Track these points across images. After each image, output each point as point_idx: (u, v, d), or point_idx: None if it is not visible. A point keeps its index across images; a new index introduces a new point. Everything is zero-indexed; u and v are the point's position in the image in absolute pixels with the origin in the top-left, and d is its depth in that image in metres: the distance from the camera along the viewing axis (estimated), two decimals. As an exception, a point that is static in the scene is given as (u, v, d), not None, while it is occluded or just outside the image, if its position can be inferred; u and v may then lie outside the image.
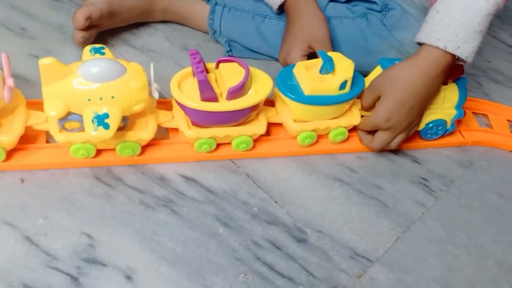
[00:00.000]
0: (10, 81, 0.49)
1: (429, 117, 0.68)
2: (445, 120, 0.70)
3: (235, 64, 0.58)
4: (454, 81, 0.68)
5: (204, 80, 0.54)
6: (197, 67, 0.55)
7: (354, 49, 0.74)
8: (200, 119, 0.58)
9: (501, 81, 0.91)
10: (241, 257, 0.54)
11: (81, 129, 0.53)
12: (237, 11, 0.76)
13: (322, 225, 0.59)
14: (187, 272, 0.51)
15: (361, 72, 0.64)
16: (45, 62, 0.48)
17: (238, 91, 0.56)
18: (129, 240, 0.53)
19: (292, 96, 0.60)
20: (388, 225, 0.62)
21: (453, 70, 0.65)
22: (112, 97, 0.51)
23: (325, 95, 0.60)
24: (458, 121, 0.72)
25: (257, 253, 0.55)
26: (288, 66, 0.63)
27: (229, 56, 0.77)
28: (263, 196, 0.61)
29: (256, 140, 0.64)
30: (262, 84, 0.59)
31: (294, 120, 0.63)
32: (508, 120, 0.80)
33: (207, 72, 0.56)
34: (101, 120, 0.50)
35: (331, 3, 0.76)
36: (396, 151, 0.71)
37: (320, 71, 0.59)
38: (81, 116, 0.52)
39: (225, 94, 0.56)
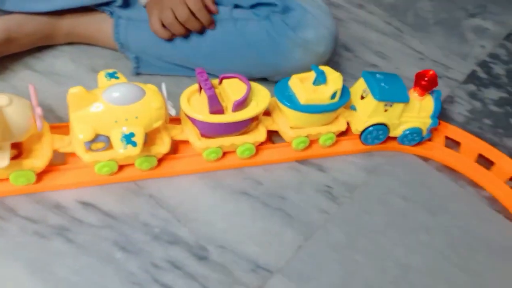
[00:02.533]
0: (38, 110, 0.53)
1: (406, 125, 0.75)
2: (421, 128, 0.76)
3: (236, 80, 0.64)
4: (430, 93, 0.75)
5: (213, 96, 0.60)
6: (205, 84, 0.61)
7: (264, 49, 0.76)
8: (209, 130, 0.64)
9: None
10: (139, 281, 0.54)
11: (105, 148, 0.59)
12: (141, 22, 0.76)
13: (225, 241, 0.60)
14: (80, 301, 0.51)
15: (273, 71, 0.76)
16: (74, 91, 0.54)
17: (242, 104, 0.62)
18: (21, 272, 0.52)
19: (290, 105, 0.67)
20: (291, 234, 0.63)
21: (429, 83, 0.73)
22: (136, 117, 0.56)
23: (318, 104, 0.67)
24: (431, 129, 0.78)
25: (155, 275, 0.55)
26: (283, 79, 0.70)
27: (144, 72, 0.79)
28: (165, 216, 0.61)
29: (161, 159, 0.65)
30: (261, 96, 0.65)
31: (291, 127, 0.69)
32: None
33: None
34: (128, 139, 0.56)
35: (236, 9, 0.77)
36: (303, 161, 0.72)
37: (314, 83, 0.67)
38: (106, 136, 0.57)
39: (230, 107, 0.63)
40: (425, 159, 0.79)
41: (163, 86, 0.60)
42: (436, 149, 0.79)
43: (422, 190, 0.74)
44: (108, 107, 0.55)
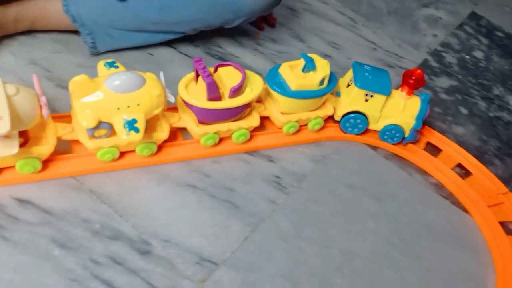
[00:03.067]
0: (43, 99, 0.54)
1: (387, 120, 0.77)
2: (402, 127, 0.77)
3: (231, 67, 0.67)
4: (418, 95, 0.77)
5: (212, 83, 0.62)
6: (204, 72, 0.63)
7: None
8: (207, 116, 0.66)
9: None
10: (77, 278, 0.53)
11: (108, 135, 0.60)
12: None
13: (169, 234, 0.60)
14: (13, 301, 0.50)
15: (229, 12, 0.78)
16: (77, 79, 0.55)
17: (238, 90, 0.65)
18: (-49, 273, 0.50)
19: (281, 92, 0.70)
20: (237, 226, 0.63)
21: (416, 82, 0.75)
22: (138, 104, 0.58)
23: (308, 90, 0.70)
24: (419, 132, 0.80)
25: (95, 271, 0.54)
26: (274, 67, 0.72)
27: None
28: (107, 211, 0.60)
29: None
30: (255, 83, 0.68)
31: (281, 113, 0.72)
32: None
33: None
34: (131, 125, 0.58)
35: None
36: (251, 152, 0.73)
37: (303, 70, 0.70)
38: (108, 123, 0.58)
39: (226, 94, 0.65)
40: (374, 147, 0.80)
41: (161, 74, 0.62)
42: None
43: (369, 178, 0.75)
44: (110, 94, 0.56)
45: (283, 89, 0.70)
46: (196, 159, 0.69)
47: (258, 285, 0.58)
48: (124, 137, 0.57)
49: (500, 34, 1.20)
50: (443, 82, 0.99)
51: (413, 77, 0.75)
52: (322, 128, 0.78)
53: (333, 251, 0.64)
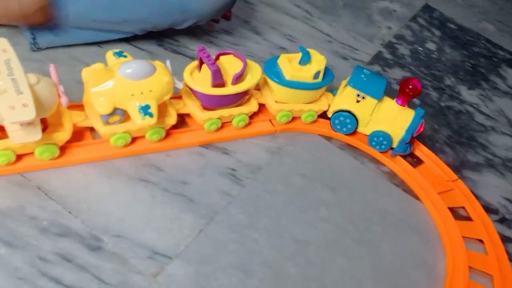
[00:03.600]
0: (61, 88, 0.57)
1: (378, 126, 0.79)
2: (390, 136, 0.78)
3: (231, 56, 0.71)
4: (415, 109, 0.77)
5: (217, 70, 0.66)
6: (209, 60, 0.66)
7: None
8: (212, 102, 0.70)
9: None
10: (25, 276, 0.52)
11: (121, 121, 0.64)
12: None
13: (121, 230, 0.60)
14: (-45, 302, 0.48)
15: (179, 13, 0.78)
16: (95, 67, 0.58)
17: (240, 77, 0.69)
18: None
19: (276, 80, 0.74)
20: (191, 219, 0.64)
21: (412, 91, 0.75)
22: (150, 91, 0.62)
23: (302, 81, 0.74)
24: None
25: (43, 269, 0.53)
26: (273, 58, 0.76)
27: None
28: (55, 208, 0.59)
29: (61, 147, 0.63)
30: (255, 71, 0.72)
31: (276, 101, 0.76)
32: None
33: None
34: (145, 110, 0.61)
35: None
36: (206, 145, 0.73)
37: (299, 62, 0.74)
38: (121, 110, 0.62)
39: (229, 81, 0.69)
40: (328, 138, 0.82)
41: (168, 62, 0.65)
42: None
43: (323, 168, 0.77)
44: (124, 82, 0.60)
45: (279, 78, 0.74)
46: (148, 153, 0.69)
47: (212, 277, 0.59)
48: (139, 121, 0.61)
49: (452, 26, 1.25)
50: (396, 73, 1.02)
51: (410, 86, 0.75)
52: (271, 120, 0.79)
53: (286, 241, 0.66)
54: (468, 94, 1.04)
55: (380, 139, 0.79)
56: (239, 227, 0.65)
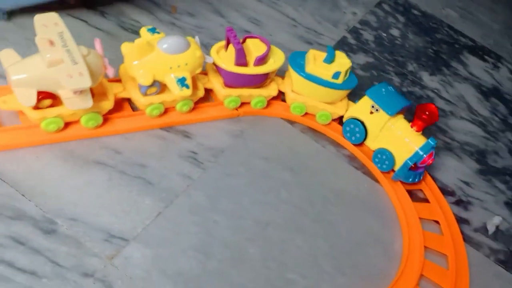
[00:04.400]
0: (106, 60, 0.63)
1: (385, 144, 0.78)
2: (394, 159, 0.77)
3: (257, 40, 0.76)
4: (428, 138, 0.75)
5: (241, 49, 0.71)
6: (235, 39, 0.71)
7: None
8: (233, 80, 0.75)
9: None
10: (-27, 260, 0.51)
11: (157, 92, 0.70)
12: None
13: (76, 213, 0.59)
14: None
15: None
16: (140, 41, 0.64)
17: (262, 60, 0.74)
18: None
19: (297, 70, 0.77)
20: (150, 202, 0.64)
21: (429, 117, 0.73)
22: (186, 64, 0.68)
23: (319, 77, 0.76)
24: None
25: (-6, 252, 0.53)
26: (302, 51, 0.80)
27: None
28: (8, 191, 0.58)
29: (2, 131, 0.61)
30: (278, 57, 0.77)
31: (292, 91, 0.80)
32: (280, 90, 0.87)
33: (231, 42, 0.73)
34: (182, 82, 0.68)
35: None
36: (166, 128, 0.73)
37: (324, 60, 0.77)
38: (158, 82, 0.68)
39: (252, 62, 0.74)
40: (291, 122, 0.83)
41: (197, 38, 0.71)
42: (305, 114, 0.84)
43: (285, 151, 0.78)
44: (163, 56, 0.66)
45: (299, 69, 0.77)
46: (107, 135, 0.68)
47: (171, 259, 0.59)
48: (177, 92, 0.67)
49: (416, 12, 1.27)
50: (360, 58, 1.04)
51: (427, 112, 0.73)
52: (241, 105, 0.80)
53: (247, 222, 0.67)
54: (430, 80, 1.07)
55: (383, 158, 0.78)
56: (200, 209, 0.65)
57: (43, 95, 0.59)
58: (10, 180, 0.59)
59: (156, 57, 0.66)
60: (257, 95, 0.79)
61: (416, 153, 0.74)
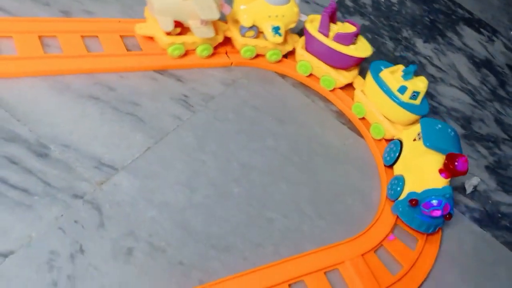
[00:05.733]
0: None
1: (407, 172, 0.73)
2: (403, 185, 0.71)
3: (354, 29, 0.81)
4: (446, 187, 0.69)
5: (326, 16, 0.78)
6: (326, 9, 0.79)
7: None
8: (312, 47, 0.83)
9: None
10: (-31, 174, 0.55)
11: (254, 37, 0.81)
12: None
13: (68, 140, 0.62)
14: None
15: None
16: None
17: (342, 38, 0.79)
18: None
19: (371, 71, 0.81)
20: (140, 138, 0.67)
21: (458, 171, 0.67)
22: (283, 16, 0.79)
23: (386, 85, 0.78)
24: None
25: (-12, 169, 0.56)
26: (390, 63, 0.83)
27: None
28: (3, 115, 0.61)
29: (1, 58, 0.64)
30: (362, 48, 0.81)
31: (362, 91, 0.84)
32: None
33: (334, 22, 0.82)
34: (276, 30, 0.79)
35: None
36: (160, 71, 0.76)
37: (402, 76, 0.78)
38: (256, 27, 0.79)
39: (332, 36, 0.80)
40: (283, 75, 0.86)
41: (303, 18, 0.81)
42: (292, 67, 0.87)
43: (274, 102, 0.81)
44: (265, 5, 0.77)
45: (374, 72, 0.80)
46: (102, 72, 0.71)
47: (157, 190, 0.63)
48: (271, 38, 0.78)
49: (416, -18, 1.29)
50: (356, 21, 1.06)
51: (456, 163, 0.67)
52: (234, 53, 0.82)
53: (233, 165, 0.70)
54: (423, 47, 1.09)
55: (395, 182, 0.73)
56: (188, 148, 0.69)
57: (175, 24, 0.72)
58: (5, 105, 0.62)
59: (259, 5, 0.77)
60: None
61: (426, 192, 0.68)
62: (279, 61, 0.85)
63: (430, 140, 0.71)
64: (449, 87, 1.03)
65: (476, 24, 1.24)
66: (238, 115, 0.76)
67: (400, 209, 0.71)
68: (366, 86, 0.82)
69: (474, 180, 0.84)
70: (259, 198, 0.68)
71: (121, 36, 0.75)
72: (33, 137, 0.61)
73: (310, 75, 0.86)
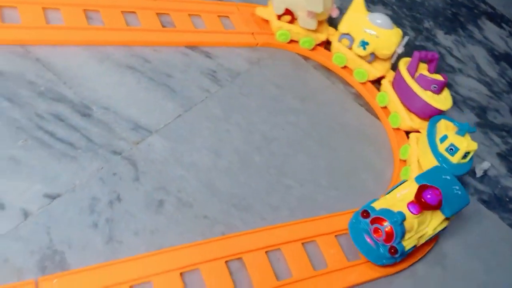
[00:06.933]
0: (335, 4, 0.88)
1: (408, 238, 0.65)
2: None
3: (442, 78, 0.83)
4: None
5: (416, 56, 0.82)
6: (422, 51, 0.83)
7: None
8: (397, 82, 0.87)
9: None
10: (22, 126, 0.62)
11: (349, 47, 0.90)
12: None
13: (108, 103, 0.70)
14: (-37, 137, 0.59)
15: None
16: (360, 1, 0.88)
17: (423, 80, 0.82)
18: None
19: (429, 129, 0.79)
20: (172, 106, 0.74)
21: (426, 205, 0.63)
22: (377, 36, 0.86)
23: (432, 137, 0.77)
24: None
25: (39, 123, 0.64)
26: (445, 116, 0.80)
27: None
28: (51, 78, 0.69)
29: (49, 28, 0.72)
30: (442, 100, 0.83)
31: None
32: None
33: (430, 72, 0.84)
34: (363, 44, 0.87)
35: None
36: (191, 47, 0.83)
37: (456, 131, 0.76)
38: (351, 36, 0.89)
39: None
40: (305, 58, 0.92)
41: (405, 39, 0.87)
42: (316, 50, 0.93)
43: (296, 82, 0.87)
44: (366, 20, 0.86)
45: (431, 132, 0.78)
46: (138, 45, 0.78)
47: (186, 153, 0.70)
48: (355, 48, 0.88)
49: (441, -25, 1.33)
50: (379, 10, 1.12)
51: (428, 196, 0.63)
52: (261, 34, 0.89)
53: (255, 136, 0.77)
54: (444, 38, 1.14)
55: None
56: (214, 118, 0.76)
57: (286, 12, 0.86)
58: (54, 70, 0.70)
59: (360, 18, 0.86)
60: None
61: (381, 209, 0.65)
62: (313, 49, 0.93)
63: (421, 178, 0.66)
64: (467, 77, 1.08)
65: (498, 19, 1.28)
66: (262, 91, 0.83)
67: (353, 221, 0.68)
68: (420, 144, 0.80)
69: (485, 165, 0.89)
70: (278, 167, 0.74)
71: (157, 13, 0.83)
72: (77, 99, 0.68)
73: (345, 67, 0.92)
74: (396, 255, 0.64)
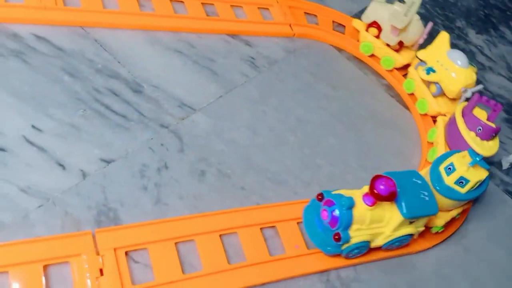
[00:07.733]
0: (425, 33, 0.92)
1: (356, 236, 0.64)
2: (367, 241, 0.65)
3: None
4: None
5: (475, 99, 0.80)
6: (482, 97, 0.81)
7: None
8: (450, 124, 0.84)
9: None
10: (82, 98, 0.70)
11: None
12: None
13: (157, 82, 0.77)
14: (32, 104, 0.66)
15: None
16: (445, 35, 0.90)
17: (484, 133, 0.79)
18: (-18, 80, 0.66)
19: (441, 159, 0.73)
20: (214, 87, 0.80)
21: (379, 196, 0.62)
22: (446, 69, 0.87)
23: (447, 165, 0.70)
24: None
25: (96, 96, 0.71)
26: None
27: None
28: (108, 57, 0.76)
29: (106, 12, 0.79)
30: (486, 147, 0.80)
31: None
32: (333, 21, 1.01)
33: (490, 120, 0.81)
34: (429, 70, 0.87)
35: None
36: (232, 35, 0.89)
37: (469, 163, 0.69)
38: (425, 64, 0.90)
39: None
40: (339, 49, 0.97)
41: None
42: (350, 42, 0.98)
43: (329, 71, 0.93)
44: (442, 54, 0.88)
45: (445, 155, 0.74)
46: (184, 31, 0.85)
47: (226, 130, 0.76)
48: (420, 71, 0.89)
49: (475, -23, 1.36)
50: (412, 8, 1.16)
51: (381, 186, 0.61)
52: (297, 25, 0.95)
53: (290, 118, 0.82)
54: (475, 37, 1.17)
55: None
56: (252, 100, 0.82)
57: (375, 25, 0.93)
58: (110, 50, 0.77)
59: (438, 50, 0.88)
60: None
61: (335, 194, 0.63)
62: (341, 37, 0.97)
63: (390, 174, 0.64)
64: (497, 75, 1.11)
65: (531, 21, 1.30)
66: (297, 78, 0.89)
67: (310, 203, 0.68)
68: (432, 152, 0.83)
69: (511, 158, 0.92)
70: (311, 147, 0.80)
71: (202, 3, 0.89)
72: (130, 77, 0.75)
73: (372, 55, 0.97)
74: (340, 243, 0.62)
